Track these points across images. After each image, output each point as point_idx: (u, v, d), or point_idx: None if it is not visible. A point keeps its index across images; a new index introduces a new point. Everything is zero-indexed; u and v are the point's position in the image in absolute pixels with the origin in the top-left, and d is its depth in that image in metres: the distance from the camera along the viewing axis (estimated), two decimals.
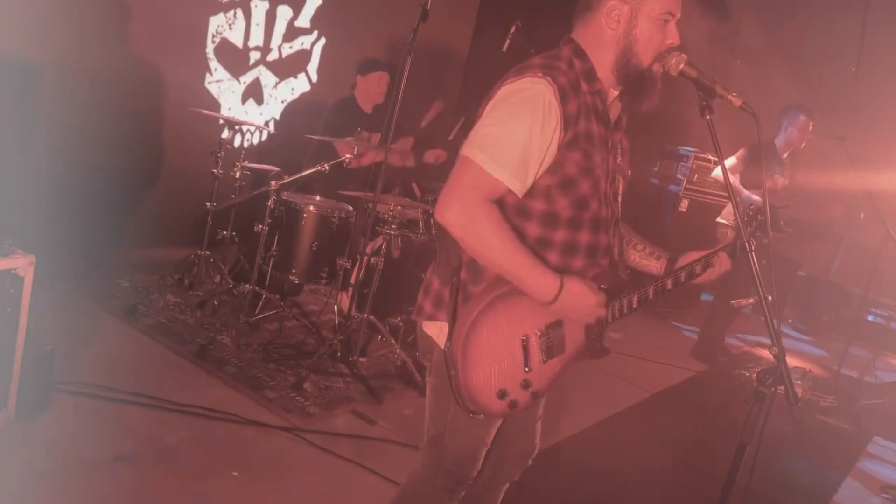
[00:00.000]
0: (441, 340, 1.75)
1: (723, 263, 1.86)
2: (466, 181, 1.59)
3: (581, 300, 1.68)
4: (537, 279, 1.62)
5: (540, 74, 1.61)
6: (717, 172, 5.12)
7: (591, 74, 1.70)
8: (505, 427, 1.90)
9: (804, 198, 5.05)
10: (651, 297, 1.80)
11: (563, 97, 1.61)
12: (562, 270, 1.71)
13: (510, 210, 1.68)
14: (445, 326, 1.71)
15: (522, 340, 1.69)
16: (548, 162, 1.64)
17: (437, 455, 1.87)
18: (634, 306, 1.78)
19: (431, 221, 4.37)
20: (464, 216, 1.57)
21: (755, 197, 4.76)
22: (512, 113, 1.60)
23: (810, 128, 4.99)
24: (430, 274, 1.86)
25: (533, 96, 1.59)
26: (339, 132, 4.37)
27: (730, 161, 4.98)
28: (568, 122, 1.62)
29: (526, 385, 1.71)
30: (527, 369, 1.70)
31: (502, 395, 1.68)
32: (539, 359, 1.72)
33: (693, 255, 1.90)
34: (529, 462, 2.08)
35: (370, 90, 4.61)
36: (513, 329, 1.68)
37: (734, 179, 4.87)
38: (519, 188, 1.63)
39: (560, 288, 1.63)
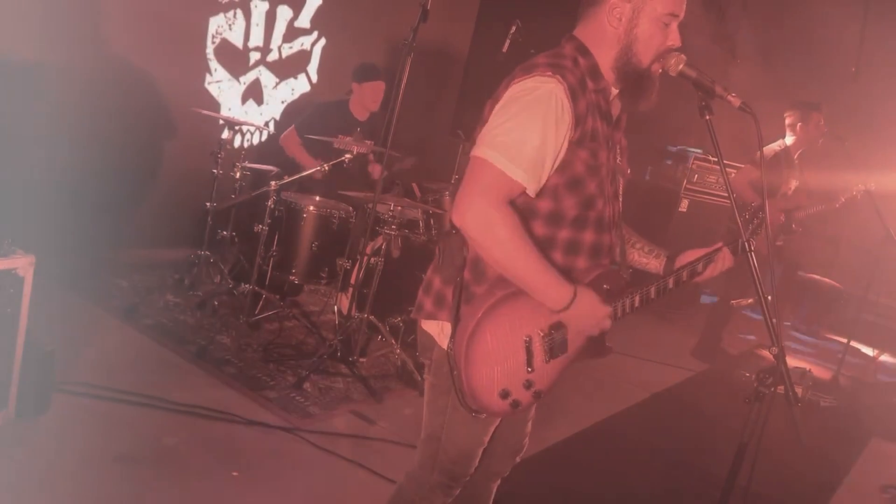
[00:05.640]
0: (441, 339, 1.76)
1: (725, 260, 1.86)
2: (484, 182, 1.58)
3: (590, 310, 1.68)
4: (552, 286, 1.63)
5: (549, 73, 1.60)
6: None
7: (595, 72, 1.70)
8: (498, 426, 1.90)
9: (811, 198, 5.03)
10: (653, 296, 1.80)
11: (573, 96, 1.61)
12: (565, 270, 1.71)
13: (516, 210, 1.68)
14: (446, 325, 1.71)
15: (525, 341, 1.69)
16: (559, 161, 1.63)
17: (434, 452, 1.88)
18: (637, 305, 1.78)
19: (431, 221, 4.37)
20: (483, 218, 1.56)
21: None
22: (525, 112, 1.58)
23: (822, 122, 4.92)
24: (430, 272, 1.86)
25: (545, 95, 1.58)
26: (321, 129, 4.32)
27: (746, 168, 4.94)
28: (578, 120, 1.62)
29: (528, 385, 1.71)
30: (529, 369, 1.70)
31: (505, 394, 1.68)
32: (542, 359, 1.72)
33: (693, 254, 1.90)
34: (518, 459, 2.09)
35: (365, 99, 4.51)
36: (516, 330, 1.68)
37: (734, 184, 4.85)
38: (534, 188, 1.62)
39: (573, 297, 1.64)
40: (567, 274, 1.72)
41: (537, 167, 1.59)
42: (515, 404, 1.70)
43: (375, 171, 4.63)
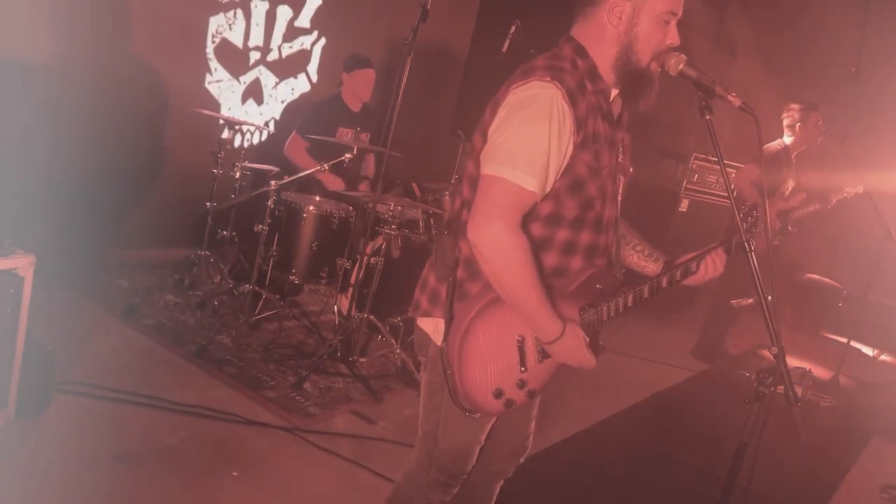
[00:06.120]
0: (436, 336, 1.77)
1: (719, 259, 1.85)
2: (500, 202, 1.58)
3: (571, 353, 1.71)
4: (544, 320, 1.65)
5: (548, 78, 1.60)
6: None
7: (594, 73, 1.70)
8: (495, 425, 1.91)
9: (807, 198, 5.03)
10: (646, 295, 1.79)
11: (572, 100, 1.61)
12: (560, 270, 1.71)
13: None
14: (441, 323, 1.72)
15: (518, 341, 1.70)
16: (563, 165, 1.64)
17: (431, 450, 1.89)
18: (630, 305, 1.78)
19: (431, 221, 4.37)
20: (496, 240, 1.57)
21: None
22: (529, 122, 1.58)
23: (821, 122, 4.92)
24: (426, 270, 1.86)
25: (546, 102, 1.58)
26: (321, 129, 4.33)
27: (748, 168, 4.92)
28: (579, 124, 1.62)
29: (522, 384, 1.72)
30: (522, 369, 1.71)
31: (498, 394, 1.69)
32: (535, 358, 1.72)
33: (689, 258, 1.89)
34: (521, 460, 2.08)
35: (356, 88, 4.52)
36: (509, 330, 1.69)
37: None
38: (542, 195, 1.63)
39: (560, 335, 1.66)
40: (561, 274, 1.72)
41: (546, 175, 1.60)
42: (509, 403, 1.71)
43: (370, 167, 4.72)
